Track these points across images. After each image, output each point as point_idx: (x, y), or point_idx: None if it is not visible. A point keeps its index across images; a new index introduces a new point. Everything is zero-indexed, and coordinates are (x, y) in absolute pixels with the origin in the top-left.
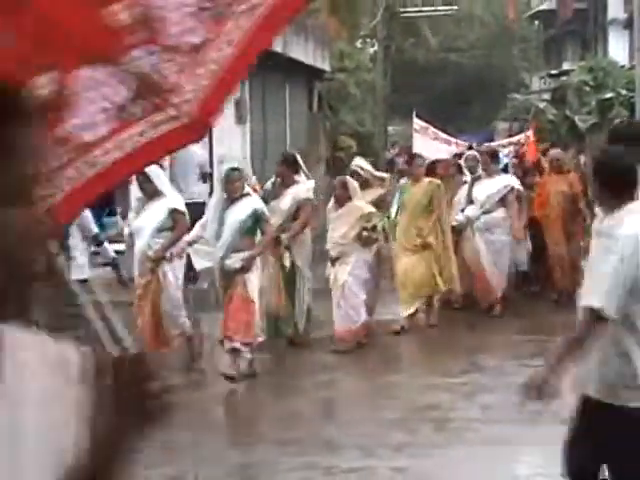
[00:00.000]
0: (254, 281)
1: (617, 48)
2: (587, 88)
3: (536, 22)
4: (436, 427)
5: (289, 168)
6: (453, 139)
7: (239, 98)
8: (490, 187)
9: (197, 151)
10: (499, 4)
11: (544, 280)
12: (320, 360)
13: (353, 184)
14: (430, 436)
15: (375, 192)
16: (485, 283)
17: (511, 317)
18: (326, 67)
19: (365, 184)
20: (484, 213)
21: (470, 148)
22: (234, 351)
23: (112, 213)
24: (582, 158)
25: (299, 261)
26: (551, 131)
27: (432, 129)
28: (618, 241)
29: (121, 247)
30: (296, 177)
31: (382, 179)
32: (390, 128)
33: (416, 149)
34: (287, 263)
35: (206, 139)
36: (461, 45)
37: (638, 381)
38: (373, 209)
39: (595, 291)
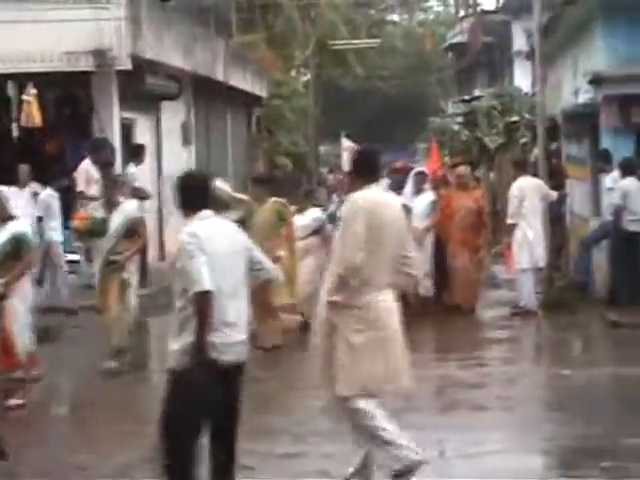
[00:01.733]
0: (18, 307)
1: (521, 77)
2: (495, 112)
3: (450, 54)
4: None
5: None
6: None
7: (186, 122)
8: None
9: (131, 169)
10: (418, 38)
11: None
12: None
13: None
14: None
15: (235, 214)
16: None
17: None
18: (264, 94)
19: (224, 206)
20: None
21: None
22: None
23: None
24: (491, 175)
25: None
26: (464, 151)
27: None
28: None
29: None
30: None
31: (242, 201)
32: (321, 148)
33: (345, 167)
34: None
35: (155, 159)
36: (384, 74)
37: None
38: None
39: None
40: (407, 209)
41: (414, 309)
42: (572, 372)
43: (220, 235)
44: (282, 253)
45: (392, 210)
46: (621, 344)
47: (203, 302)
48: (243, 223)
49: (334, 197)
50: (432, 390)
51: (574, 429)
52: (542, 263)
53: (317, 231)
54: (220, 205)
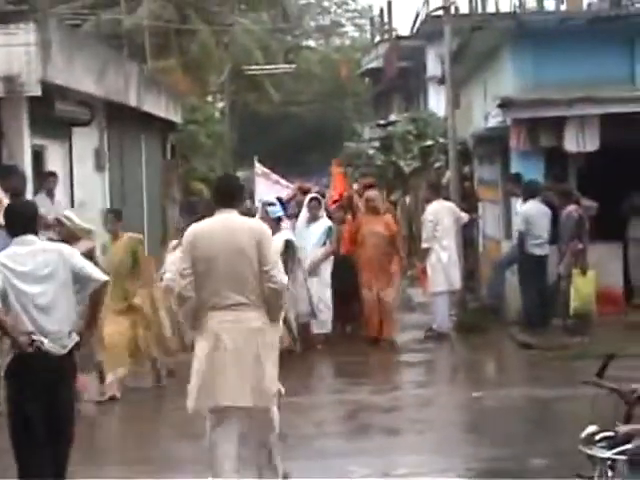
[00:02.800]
0: None
1: (435, 101)
2: (410, 137)
3: (366, 79)
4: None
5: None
6: (290, 184)
7: (98, 148)
8: None
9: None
10: (334, 63)
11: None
12: None
13: None
14: None
15: (84, 244)
16: None
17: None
18: (178, 119)
19: (72, 236)
20: None
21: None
22: None
23: None
24: (407, 198)
25: None
26: (380, 175)
27: (273, 174)
28: None
29: None
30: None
31: (89, 232)
32: (238, 174)
33: (259, 192)
34: None
35: (67, 184)
36: (300, 99)
37: None
38: None
39: None
40: (288, 243)
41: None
42: (484, 394)
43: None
44: (137, 300)
45: (227, 233)
46: (532, 366)
47: None
48: (90, 256)
49: None
50: (343, 415)
51: (485, 451)
52: (457, 285)
53: None
54: (68, 235)
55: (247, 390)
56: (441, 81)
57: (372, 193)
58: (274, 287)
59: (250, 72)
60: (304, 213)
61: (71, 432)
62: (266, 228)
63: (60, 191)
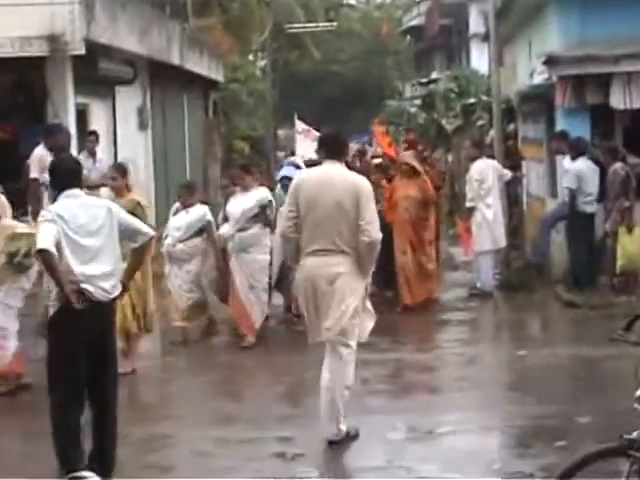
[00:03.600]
0: None
1: (478, 59)
2: (452, 95)
3: (408, 37)
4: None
5: None
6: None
7: (141, 106)
8: (245, 202)
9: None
10: (375, 21)
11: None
12: None
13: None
14: (314, 407)
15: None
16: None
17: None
18: (220, 78)
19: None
20: (239, 231)
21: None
22: None
23: None
24: (449, 157)
25: None
26: (421, 133)
27: (314, 131)
28: None
29: None
30: None
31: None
32: (279, 132)
33: (299, 150)
34: None
35: (111, 145)
36: (342, 57)
37: None
38: (26, 229)
39: None
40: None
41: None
42: (528, 352)
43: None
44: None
45: (328, 183)
46: (577, 324)
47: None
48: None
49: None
50: (387, 373)
51: (529, 409)
52: (502, 244)
53: (201, 231)
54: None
55: (331, 325)
56: (484, 38)
57: (407, 154)
58: (367, 241)
59: (291, 30)
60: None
61: (116, 380)
62: (367, 183)
63: (103, 150)
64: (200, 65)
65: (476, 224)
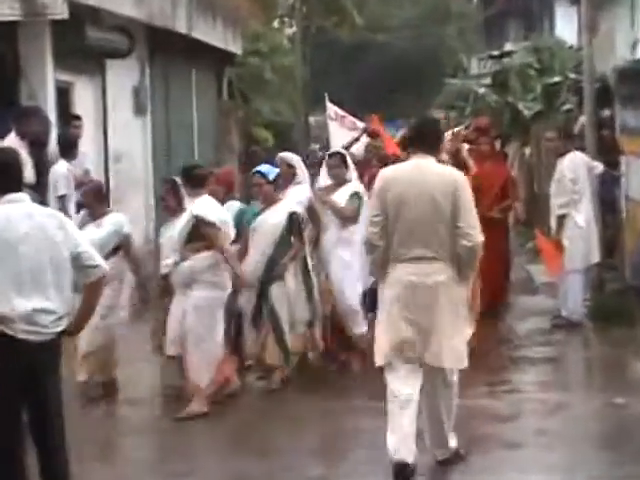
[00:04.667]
0: None
1: (564, 26)
2: (532, 71)
3: None
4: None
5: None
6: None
7: (138, 85)
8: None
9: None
10: None
11: None
12: None
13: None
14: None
15: None
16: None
17: None
18: (238, 50)
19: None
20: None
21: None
22: None
23: None
24: (527, 150)
25: None
26: (492, 120)
27: (350, 118)
28: None
29: None
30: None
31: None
32: (311, 119)
33: (333, 141)
34: None
35: (100, 133)
36: (390, 24)
37: None
38: None
39: None
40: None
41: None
42: (628, 400)
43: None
44: None
45: (420, 180)
46: None
47: None
48: None
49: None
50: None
51: (628, 470)
52: (596, 258)
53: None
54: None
55: (430, 346)
56: (574, 0)
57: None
58: (469, 245)
59: None
60: (324, 175)
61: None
62: (464, 180)
63: (90, 140)
64: (212, 34)
65: (567, 236)
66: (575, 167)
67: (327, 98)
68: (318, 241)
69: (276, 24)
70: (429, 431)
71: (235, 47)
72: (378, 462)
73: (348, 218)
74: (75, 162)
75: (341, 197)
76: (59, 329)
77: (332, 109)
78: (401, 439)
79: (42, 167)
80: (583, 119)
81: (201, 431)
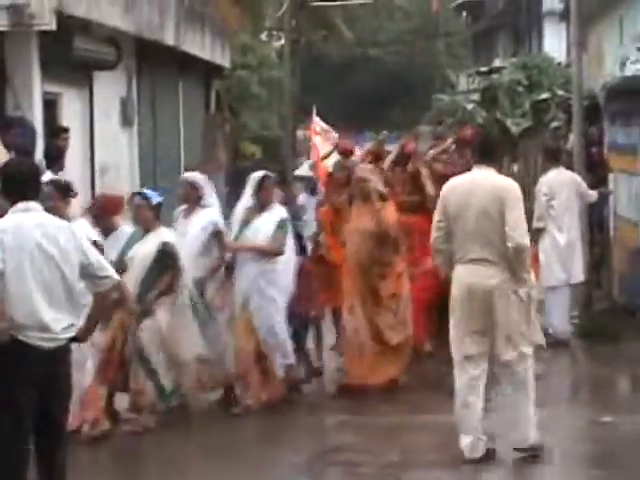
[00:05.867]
0: None
1: (553, 43)
2: (520, 88)
3: (464, 14)
4: (346, 472)
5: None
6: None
7: (125, 97)
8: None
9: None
10: None
11: None
12: None
13: None
14: None
15: None
16: None
17: None
18: (226, 63)
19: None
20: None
21: None
22: None
23: None
24: (515, 167)
25: None
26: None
27: (334, 133)
28: None
29: None
30: None
31: None
32: (299, 133)
33: (314, 156)
34: None
35: (87, 145)
36: (380, 39)
37: None
38: None
39: None
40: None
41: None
42: (614, 419)
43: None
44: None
45: (475, 190)
46: None
47: None
48: None
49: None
50: (437, 441)
51: None
52: (579, 278)
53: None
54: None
55: (487, 341)
56: (562, 16)
57: (363, 170)
58: (513, 246)
59: (316, 3)
60: (247, 196)
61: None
62: (515, 188)
63: (77, 152)
64: (201, 46)
65: (544, 251)
66: (552, 183)
67: (314, 111)
68: (231, 270)
69: (264, 37)
70: (508, 423)
71: (223, 60)
72: None
73: (275, 255)
74: (62, 174)
75: (266, 224)
76: (70, 335)
77: (317, 124)
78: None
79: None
80: (572, 137)
81: None
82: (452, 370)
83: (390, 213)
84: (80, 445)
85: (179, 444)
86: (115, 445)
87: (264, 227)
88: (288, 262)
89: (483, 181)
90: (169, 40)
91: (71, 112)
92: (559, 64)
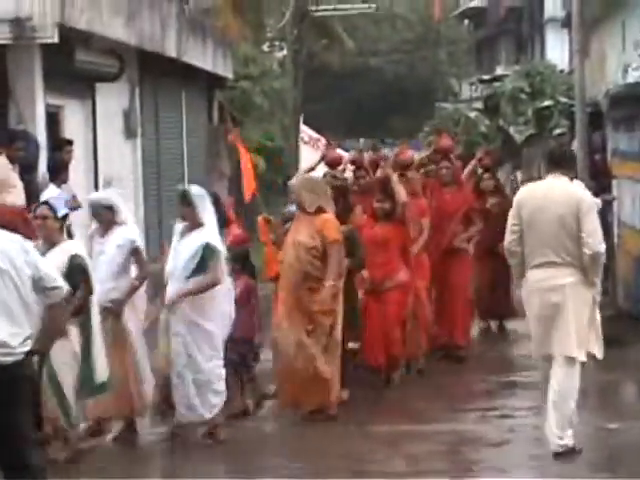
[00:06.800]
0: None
1: (555, 50)
2: (523, 96)
3: (465, 22)
4: None
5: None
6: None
7: (128, 109)
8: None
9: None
10: (424, 2)
11: None
12: None
13: None
14: None
15: None
16: None
17: None
18: (228, 74)
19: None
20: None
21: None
22: None
23: None
24: (518, 175)
25: None
26: (483, 144)
27: (323, 141)
28: None
29: None
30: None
31: None
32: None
33: (304, 165)
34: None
35: (90, 157)
36: (381, 48)
37: None
38: None
39: None
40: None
41: None
42: (620, 425)
43: None
44: None
45: (549, 197)
46: None
47: None
48: None
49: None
50: (442, 450)
51: None
52: None
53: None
54: None
55: (558, 339)
56: (564, 23)
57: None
58: (589, 253)
59: (318, 14)
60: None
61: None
62: (588, 197)
63: (80, 163)
64: (203, 57)
65: None
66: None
67: (302, 120)
68: (157, 296)
69: (266, 47)
70: (550, 421)
71: (225, 71)
72: None
73: (214, 285)
74: (64, 186)
75: (189, 246)
76: (26, 349)
77: (306, 133)
78: (552, 431)
79: (32, 191)
80: (575, 143)
81: None
82: (455, 378)
83: (330, 227)
84: None
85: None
86: None
87: (187, 249)
88: (219, 289)
89: (559, 189)
90: (171, 51)
91: (74, 124)
92: (561, 71)
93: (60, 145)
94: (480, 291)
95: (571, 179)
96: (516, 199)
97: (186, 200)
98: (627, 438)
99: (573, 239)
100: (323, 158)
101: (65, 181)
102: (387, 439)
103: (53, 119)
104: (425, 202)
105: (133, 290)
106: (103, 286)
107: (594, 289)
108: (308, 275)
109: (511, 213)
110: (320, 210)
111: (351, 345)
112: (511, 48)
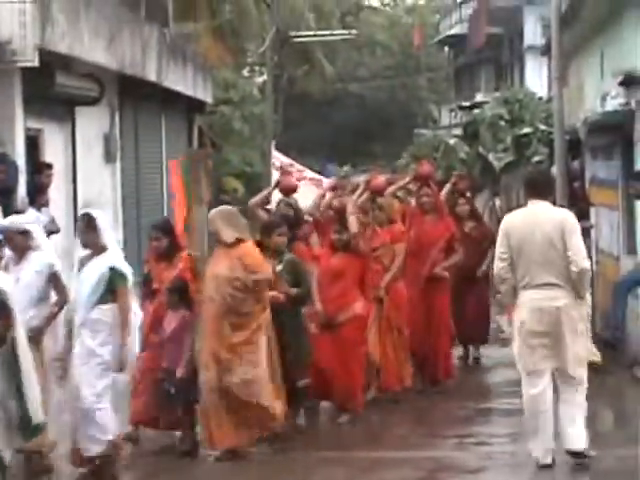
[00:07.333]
0: None
1: (534, 78)
2: (502, 123)
3: (445, 49)
4: None
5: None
6: (324, 178)
7: (108, 133)
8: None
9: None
10: (404, 29)
11: None
12: None
13: None
14: None
15: None
16: None
17: None
18: (208, 98)
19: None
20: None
21: None
22: None
23: None
24: (497, 201)
25: None
26: (464, 171)
27: (297, 166)
28: None
29: None
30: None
31: None
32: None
33: (275, 195)
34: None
35: (69, 180)
36: (361, 74)
37: None
38: None
39: None
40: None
41: None
42: (599, 453)
43: None
44: None
45: (536, 223)
46: None
47: None
48: None
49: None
50: (421, 476)
51: None
52: None
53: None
54: None
55: (555, 356)
56: (544, 51)
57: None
58: (576, 270)
59: (298, 39)
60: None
61: None
62: (571, 217)
63: (59, 187)
64: (183, 82)
65: None
66: None
67: (274, 146)
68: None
69: (246, 73)
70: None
71: (205, 95)
72: None
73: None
74: (44, 210)
75: (92, 273)
76: None
77: (277, 158)
78: (542, 445)
79: (10, 214)
80: (554, 171)
81: None
82: (433, 405)
83: (253, 259)
84: None
85: None
86: None
87: (92, 275)
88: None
89: (543, 212)
90: (151, 76)
91: (53, 148)
92: (540, 98)
93: (40, 169)
94: (459, 316)
95: (552, 203)
96: (502, 228)
97: (90, 224)
98: (605, 465)
99: (563, 259)
100: (277, 184)
101: (45, 205)
102: (365, 465)
103: (33, 142)
104: (401, 228)
105: (52, 317)
106: (22, 315)
107: (586, 304)
108: (230, 308)
109: (498, 242)
110: (239, 241)
111: (300, 383)
112: (491, 75)
